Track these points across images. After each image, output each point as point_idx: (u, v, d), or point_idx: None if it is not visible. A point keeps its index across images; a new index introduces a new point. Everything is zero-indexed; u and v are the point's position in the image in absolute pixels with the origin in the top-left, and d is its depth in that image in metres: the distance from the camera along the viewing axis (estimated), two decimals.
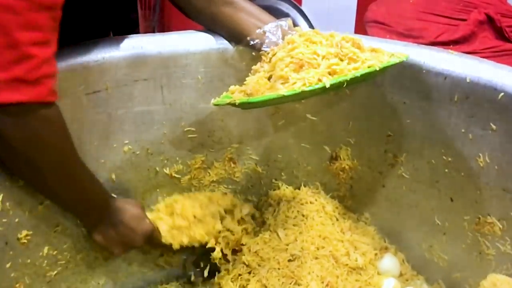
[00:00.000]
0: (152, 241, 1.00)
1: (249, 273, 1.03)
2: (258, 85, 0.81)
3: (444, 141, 0.95)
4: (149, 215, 1.01)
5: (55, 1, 0.72)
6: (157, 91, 0.99)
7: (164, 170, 1.08)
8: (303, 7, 2.33)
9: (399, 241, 1.11)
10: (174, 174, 1.09)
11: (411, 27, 1.61)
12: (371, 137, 1.05)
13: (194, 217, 1.02)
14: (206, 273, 1.13)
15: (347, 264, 1.02)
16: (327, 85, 0.75)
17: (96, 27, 1.01)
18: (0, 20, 0.67)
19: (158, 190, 1.09)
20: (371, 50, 0.83)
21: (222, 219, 1.07)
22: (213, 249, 1.07)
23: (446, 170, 0.97)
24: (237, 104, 0.82)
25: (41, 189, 0.88)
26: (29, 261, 0.97)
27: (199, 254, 1.13)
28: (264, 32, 0.90)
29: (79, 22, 0.95)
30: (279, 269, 1.01)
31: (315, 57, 0.79)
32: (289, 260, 1.02)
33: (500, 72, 0.87)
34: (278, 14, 0.95)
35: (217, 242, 1.07)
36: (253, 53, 0.94)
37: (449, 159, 0.96)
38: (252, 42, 0.91)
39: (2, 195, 0.89)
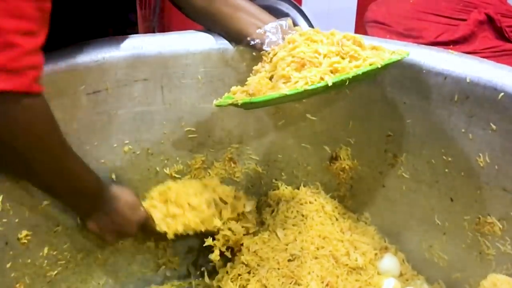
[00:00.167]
0: (146, 229, 1.00)
1: (249, 273, 1.03)
2: (260, 85, 0.81)
3: (444, 141, 0.95)
4: (142, 203, 1.00)
5: None
6: (157, 91, 0.99)
7: (164, 170, 1.08)
8: (303, 7, 2.33)
9: (399, 241, 1.11)
10: (174, 174, 1.09)
11: (411, 27, 1.61)
12: (371, 137, 1.05)
13: (189, 204, 1.01)
14: (206, 275, 1.14)
15: (347, 264, 1.02)
16: (330, 83, 0.75)
17: (93, 26, 1.01)
18: None
19: None
20: (372, 48, 0.83)
21: (221, 209, 1.05)
22: (210, 247, 1.06)
23: (446, 170, 0.97)
24: (239, 104, 0.82)
25: (29, 179, 0.87)
26: (29, 261, 0.97)
27: (199, 253, 1.13)
28: (264, 32, 0.90)
29: (76, 22, 0.95)
30: (279, 269, 1.00)
31: (317, 56, 0.79)
32: (289, 260, 1.02)
33: (500, 72, 0.87)
34: (278, 14, 0.95)
35: (215, 239, 1.06)
36: (254, 53, 0.94)
37: (449, 159, 0.96)
38: (252, 42, 0.91)
39: (2, 195, 0.89)
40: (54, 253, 1.00)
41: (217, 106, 0.88)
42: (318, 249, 1.03)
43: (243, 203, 1.10)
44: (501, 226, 0.92)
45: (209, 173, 1.11)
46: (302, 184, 1.15)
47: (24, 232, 0.94)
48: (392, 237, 1.12)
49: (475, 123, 0.90)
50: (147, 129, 1.02)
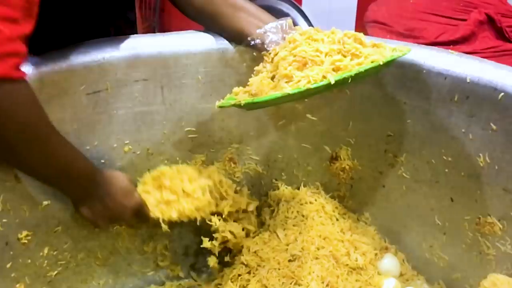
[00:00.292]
0: (139, 216, 0.98)
1: (249, 273, 1.03)
2: (262, 85, 0.81)
3: (444, 141, 0.95)
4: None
5: None
6: (157, 91, 0.99)
7: None
8: (303, 7, 2.34)
9: (399, 241, 1.11)
10: None
11: (411, 27, 1.61)
12: (371, 137, 1.06)
13: (183, 191, 0.99)
14: (206, 275, 1.14)
15: (347, 264, 1.02)
16: (332, 82, 0.75)
17: (92, 25, 1.01)
18: None
19: None
20: (372, 45, 0.83)
21: (217, 197, 1.04)
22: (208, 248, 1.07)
23: (446, 170, 0.97)
24: (242, 105, 0.81)
25: (17, 165, 0.85)
26: (29, 261, 0.97)
27: (199, 253, 1.13)
28: (265, 32, 0.90)
29: (74, 21, 0.95)
30: (279, 269, 1.00)
31: (318, 55, 0.79)
32: (289, 260, 1.02)
33: (500, 72, 0.87)
34: (278, 14, 0.95)
35: (213, 238, 1.06)
36: (254, 53, 0.94)
37: (449, 159, 0.96)
38: (252, 42, 0.91)
39: (2, 195, 0.90)
40: (54, 253, 1.00)
41: (220, 107, 0.87)
42: (318, 249, 1.03)
43: (245, 199, 1.10)
44: (501, 226, 0.92)
45: None
46: (302, 184, 1.15)
47: (25, 232, 0.94)
48: (392, 237, 1.12)
49: (475, 123, 0.90)
50: (147, 129, 1.02)
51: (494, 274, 0.90)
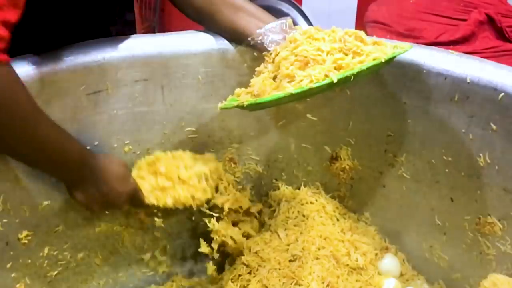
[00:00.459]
0: (134, 201, 0.96)
1: (250, 273, 1.03)
2: (264, 86, 0.81)
3: (444, 141, 0.95)
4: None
5: None
6: (157, 91, 0.99)
7: None
8: (303, 8, 2.34)
9: (400, 241, 1.11)
10: None
11: (411, 27, 1.61)
12: (372, 137, 1.05)
13: (179, 178, 0.97)
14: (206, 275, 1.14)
15: (347, 264, 1.02)
16: (335, 80, 0.75)
17: (91, 25, 1.00)
18: None
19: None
20: (373, 43, 0.83)
21: (216, 188, 1.03)
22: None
23: (447, 170, 0.97)
24: (245, 106, 0.81)
25: (5, 150, 0.83)
26: (29, 261, 0.97)
27: (199, 253, 1.13)
28: (265, 32, 0.90)
29: (73, 21, 0.95)
30: (279, 269, 1.00)
31: (320, 53, 0.78)
32: (290, 261, 1.02)
33: (500, 72, 0.87)
34: (278, 14, 0.95)
35: (212, 239, 1.05)
36: (255, 53, 0.94)
37: (449, 159, 0.96)
38: (253, 42, 0.91)
39: (2, 195, 0.90)
40: (55, 253, 1.00)
41: (222, 109, 0.87)
42: (319, 249, 1.03)
43: (248, 199, 1.09)
44: (501, 226, 0.92)
45: None
46: (302, 184, 1.15)
47: (25, 232, 0.94)
48: (392, 237, 1.12)
49: (475, 123, 0.90)
50: (147, 129, 1.02)
51: (494, 274, 0.90)
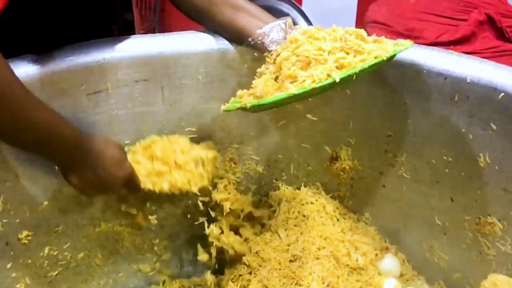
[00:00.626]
0: (130, 186, 0.94)
1: (250, 273, 1.03)
2: (266, 87, 0.81)
3: (444, 141, 0.95)
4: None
5: None
6: (157, 91, 0.99)
7: None
8: (303, 8, 2.34)
9: (400, 241, 1.11)
10: None
11: (411, 27, 1.61)
12: (372, 137, 1.05)
13: (175, 162, 0.95)
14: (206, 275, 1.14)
15: (348, 265, 1.02)
16: (337, 80, 0.75)
17: (90, 26, 1.00)
18: None
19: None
20: (374, 41, 0.83)
21: (213, 175, 1.01)
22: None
23: (447, 170, 0.97)
24: (248, 108, 0.81)
25: None
26: (30, 261, 0.97)
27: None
28: (265, 32, 0.90)
29: (72, 21, 0.95)
30: (280, 269, 1.00)
31: (321, 53, 0.78)
32: (290, 261, 1.02)
33: (500, 73, 0.87)
34: (278, 14, 0.95)
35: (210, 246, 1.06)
36: (255, 54, 0.94)
37: (450, 159, 0.96)
38: (253, 42, 0.91)
39: (3, 195, 0.90)
40: (55, 253, 1.00)
41: (225, 111, 0.86)
42: (319, 249, 1.03)
43: (249, 202, 1.09)
44: (501, 226, 0.92)
45: None
46: (302, 185, 1.15)
47: (25, 233, 0.94)
48: (392, 238, 1.12)
49: (475, 123, 0.90)
50: (147, 129, 1.02)
51: (494, 274, 0.90)
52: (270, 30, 0.89)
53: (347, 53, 0.78)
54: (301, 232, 1.05)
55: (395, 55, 0.80)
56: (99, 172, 0.87)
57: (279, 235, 1.06)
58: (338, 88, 1.01)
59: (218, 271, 1.12)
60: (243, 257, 1.04)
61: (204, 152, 0.98)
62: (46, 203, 0.95)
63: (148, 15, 2.62)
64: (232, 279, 1.03)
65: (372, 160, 1.08)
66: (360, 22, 2.03)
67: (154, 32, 2.58)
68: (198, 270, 1.18)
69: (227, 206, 1.06)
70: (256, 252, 1.04)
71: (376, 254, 1.06)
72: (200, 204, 1.08)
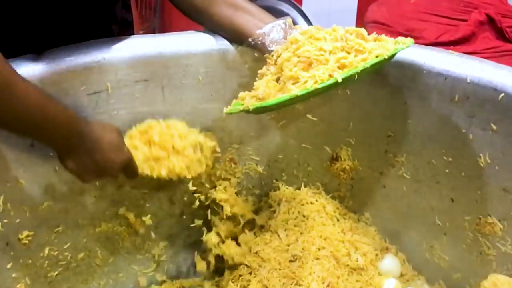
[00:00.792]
0: (128, 171, 0.92)
1: (250, 273, 1.03)
2: (268, 88, 0.81)
3: (444, 142, 0.95)
4: None
5: None
6: (157, 91, 0.99)
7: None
8: (303, 8, 2.34)
9: (400, 241, 1.11)
10: None
11: (411, 27, 1.61)
12: (372, 138, 1.05)
13: (173, 148, 0.93)
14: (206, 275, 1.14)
15: (348, 265, 1.02)
16: (339, 80, 0.75)
17: (89, 26, 1.00)
18: None
19: (160, 191, 1.09)
20: (374, 39, 0.82)
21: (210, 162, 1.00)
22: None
23: (447, 171, 0.97)
24: (251, 110, 0.81)
25: None
26: (30, 261, 0.97)
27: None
28: (265, 32, 0.90)
29: (71, 22, 0.95)
30: (280, 269, 1.01)
31: (322, 53, 0.78)
32: (290, 261, 1.02)
33: (500, 73, 0.87)
34: (278, 14, 0.95)
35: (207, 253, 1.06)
36: (255, 54, 0.94)
37: (450, 159, 0.96)
38: (253, 43, 0.91)
39: (3, 195, 0.90)
40: (55, 253, 1.00)
41: (228, 114, 0.86)
42: (319, 249, 1.03)
43: (249, 209, 1.09)
44: (501, 227, 0.92)
45: None
46: (302, 185, 1.15)
47: (25, 233, 0.94)
48: (392, 238, 1.12)
49: (475, 123, 0.90)
50: None
51: (494, 275, 0.90)
52: (270, 30, 0.89)
53: (348, 53, 0.78)
54: (301, 232, 1.05)
55: (396, 53, 0.80)
56: (96, 157, 0.86)
57: (279, 235, 1.06)
58: (339, 88, 1.01)
59: (217, 271, 1.12)
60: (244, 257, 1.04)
61: (202, 137, 0.97)
62: (46, 203, 0.95)
63: (148, 15, 2.62)
64: (232, 279, 1.03)
65: (372, 160, 1.08)
66: (360, 22, 2.03)
67: (154, 32, 2.58)
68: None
69: (227, 208, 1.06)
70: (256, 252, 1.04)
71: (376, 254, 1.06)
72: (197, 203, 1.08)
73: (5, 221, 0.91)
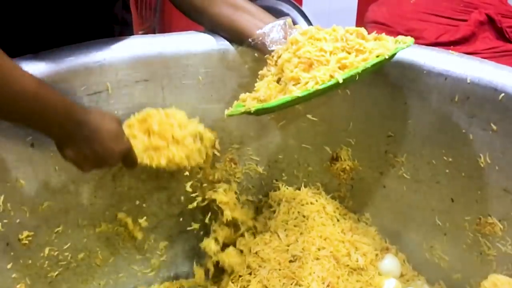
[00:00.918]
0: (127, 160, 0.91)
1: (250, 274, 1.03)
2: (269, 90, 0.81)
3: (444, 142, 0.95)
4: None
5: None
6: (158, 92, 0.99)
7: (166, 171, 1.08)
8: (303, 8, 2.34)
9: (400, 241, 1.11)
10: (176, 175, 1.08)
11: (411, 27, 1.61)
12: (372, 138, 1.06)
13: (173, 137, 0.92)
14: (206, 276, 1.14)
15: (348, 265, 1.02)
16: (340, 81, 0.75)
17: (89, 26, 1.00)
18: None
19: (160, 191, 1.09)
20: (374, 38, 0.82)
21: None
22: None
23: (447, 171, 0.97)
24: (252, 112, 0.80)
25: None
26: (30, 262, 0.97)
27: (199, 253, 1.13)
28: (265, 32, 0.90)
29: (71, 20, 0.95)
30: (280, 269, 1.00)
31: (323, 54, 0.78)
32: (290, 261, 1.02)
33: (500, 73, 0.87)
34: (278, 14, 0.95)
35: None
36: (255, 54, 0.94)
37: (450, 159, 0.96)
38: (253, 43, 0.91)
39: (3, 195, 0.90)
40: (55, 253, 1.00)
41: (229, 116, 0.85)
42: (319, 249, 1.03)
43: (249, 216, 1.09)
44: (501, 227, 0.92)
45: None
46: (303, 185, 1.15)
47: (25, 233, 0.94)
48: (392, 238, 1.12)
49: (475, 123, 0.90)
50: None
51: (494, 275, 0.90)
52: (270, 30, 0.89)
53: (349, 53, 0.78)
54: (301, 233, 1.05)
55: (396, 52, 0.80)
56: (95, 146, 0.84)
57: (279, 236, 1.06)
58: (340, 88, 1.01)
59: (218, 272, 1.12)
60: (244, 257, 1.04)
61: (202, 126, 0.96)
62: (46, 203, 0.95)
63: (148, 15, 2.62)
64: (232, 279, 1.03)
65: (372, 160, 1.08)
66: (360, 22, 2.03)
67: (154, 32, 2.58)
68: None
69: (228, 213, 1.05)
70: (256, 253, 1.04)
71: (377, 255, 1.06)
72: (196, 204, 1.09)
73: (5, 221, 0.91)
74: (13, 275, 0.95)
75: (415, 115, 0.97)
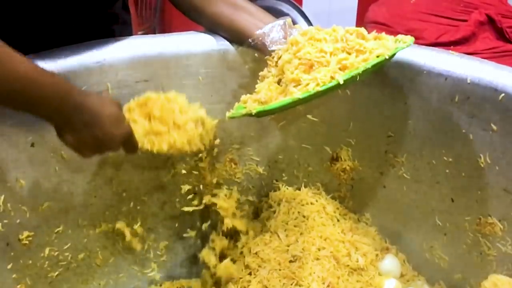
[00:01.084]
0: (127, 145, 0.88)
1: (250, 274, 1.03)
2: (270, 91, 0.81)
3: (444, 142, 0.95)
4: None
5: None
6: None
7: (166, 171, 1.08)
8: (303, 8, 2.34)
9: (400, 241, 1.11)
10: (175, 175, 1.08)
11: (411, 27, 1.61)
12: (372, 138, 1.06)
13: (174, 122, 0.90)
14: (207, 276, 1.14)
15: (348, 265, 1.02)
16: (341, 82, 0.75)
17: (89, 26, 1.00)
18: None
19: (159, 191, 1.09)
20: (374, 37, 0.82)
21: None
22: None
23: (447, 171, 0.97)
24: (253, 114, 0.80)
25: None
26: (30, 262, 0.97)
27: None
28: (265, 32, 0.90)
29: (71, 22, 0.95)
30: (280, 270, 1.00)
31: (323, 55, 0.78)
32: (290, 261, 1.02)
33: (501, 73, 0.87)
34: (278, 14, 0.95)
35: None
36: (256, 54, 0.94)
37: (450, 159, 0.96)
38: (253, 43, 0.91)
39: (3, 195, 0.90)
40: (55, 254, 1.00)
41: (231, 118, 0.85)
42: (319, 250, 1.03)
43: (252, 227, 1.09)
44: (501, 227, 0.92)
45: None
46: (303, 185, 1.15)
47: (25, 233, 0.94)
48: (393, 238, 1.12)
49: (476, 123, 0.90)
50: None
51: (494, 275, 0.90)
52: (270, 30, 0.89)
53: (349, 53, 0.78)
54: (301, 233, 1.05)
55: (396, 52, 0.80)
56: (96, 131, 0.82)
57: (278, 236, 1.06)
58: (341, 89, 1.01)
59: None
60: (243, 258, 1.04)
61: (203, 111, 0.95)
62: (46, 204, 0.95)
63: (148, 15, 2.63)
64: (232, 279, 1.03)
65: (373, 160, 1.08)
66: (360, 22, 2.03)
67: (154, 33, 2.58)
68: (198, 270, 1.18)
69: (228, 221, 1.05)
70: (256, 253, 1.04)
71: (377, 255, 1.06)
72: (195, 203, 1.09)
73: (5, 221, 0.91)
74: (13, 275, 0.95)
75: (415, 115, 0.97)
